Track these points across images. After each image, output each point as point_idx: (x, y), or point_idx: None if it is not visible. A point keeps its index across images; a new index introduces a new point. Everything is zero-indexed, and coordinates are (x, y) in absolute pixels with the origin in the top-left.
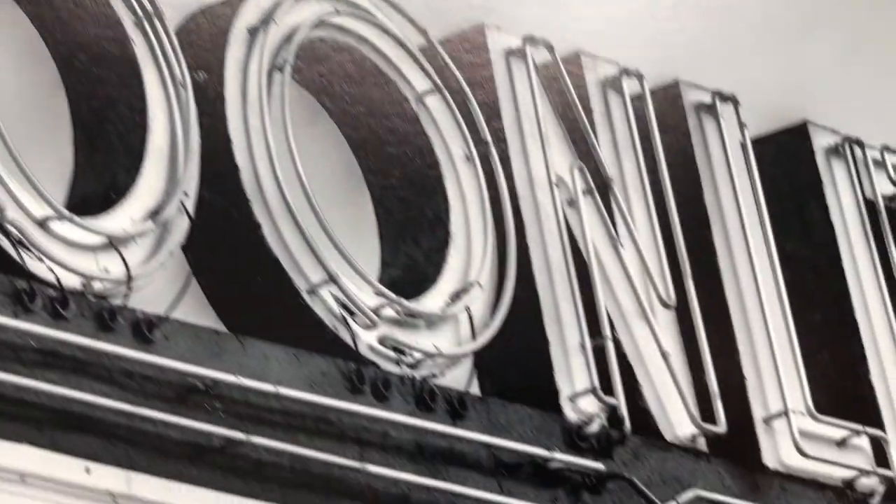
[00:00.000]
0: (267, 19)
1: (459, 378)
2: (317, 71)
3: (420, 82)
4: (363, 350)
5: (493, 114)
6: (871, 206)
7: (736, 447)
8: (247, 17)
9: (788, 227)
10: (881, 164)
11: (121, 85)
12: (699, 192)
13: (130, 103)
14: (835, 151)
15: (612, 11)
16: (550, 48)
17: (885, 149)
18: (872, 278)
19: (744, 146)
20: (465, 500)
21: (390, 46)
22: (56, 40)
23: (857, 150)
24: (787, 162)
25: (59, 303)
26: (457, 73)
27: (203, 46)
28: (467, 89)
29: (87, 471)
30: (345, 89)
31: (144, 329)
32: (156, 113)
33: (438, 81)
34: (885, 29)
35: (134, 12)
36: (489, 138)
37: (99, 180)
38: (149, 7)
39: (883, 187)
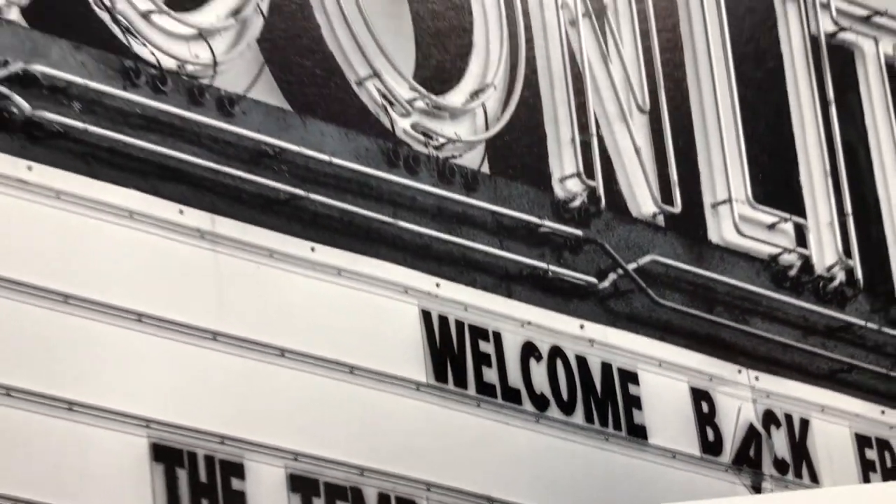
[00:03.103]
0: None
1: (474, 159)
2: None
3: None
4: (399, 133)
5: None
6: (814, 41)
7: (687, 225)
8: None
9: (747, 56)
10: (826, 7)
11: None
12: (676, 22)
13: None
14: None
15: None
16: None
17: None
18: (809, 99)
19: None
20: (474, 251)
21: None
22: None
23: None
24: (749, 1)
25: (159, 80)
26: None
27: None
28: None
29: (181, 212)
30: None
31: (227, 104)
32: None
33: None
34: None
35: None
36: None
37: None
38: None
39: (826, 26)
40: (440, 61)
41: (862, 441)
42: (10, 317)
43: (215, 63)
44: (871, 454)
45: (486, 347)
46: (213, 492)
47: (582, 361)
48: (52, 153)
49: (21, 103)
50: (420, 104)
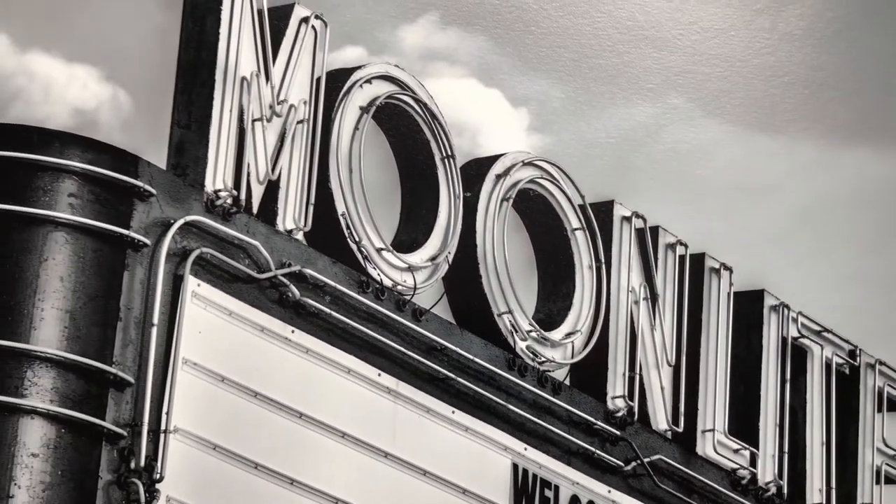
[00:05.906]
0: (506, 172)
1: (561, 374)
2: (525, 204)
3: (575, 221)
4: (517, 350)
5: (606, 247)
6: (784, 340)
7: (686, 441)
8: (496, 169)
9: (740, 341)
10: (794, 320)
11: (427, 189)
12: (700, 311)
13: (431, 200)
14: (774, 308)
15: (680, 208)
16: (644, 219)
17: (800, 313)
18: (774, 376)
19: (728, 295)
20: (551, 432)
21: (563, 199)
22: (399, 155)
23: (784, 310)
24: (748, 308)
25: (380, 292)
26: (594, 221)
27: (471, 179)
28: (597, 231)
29: (379, 375)
30: (536, 217)
31: (418, 314)
32: (442, 207)
33: (584, 224)
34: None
35: (441, 151)
36: (602, 259)
37: (409, 236)
38: (448, 151)
39: (792, 332)
40: (550, 311)
41: None
42: (264, 418)
43: (415, 288)
44: None
45: (548, 493)
46: None
47: None
48: (308, 325)
49: (294, 290)
50: (534, 335)
